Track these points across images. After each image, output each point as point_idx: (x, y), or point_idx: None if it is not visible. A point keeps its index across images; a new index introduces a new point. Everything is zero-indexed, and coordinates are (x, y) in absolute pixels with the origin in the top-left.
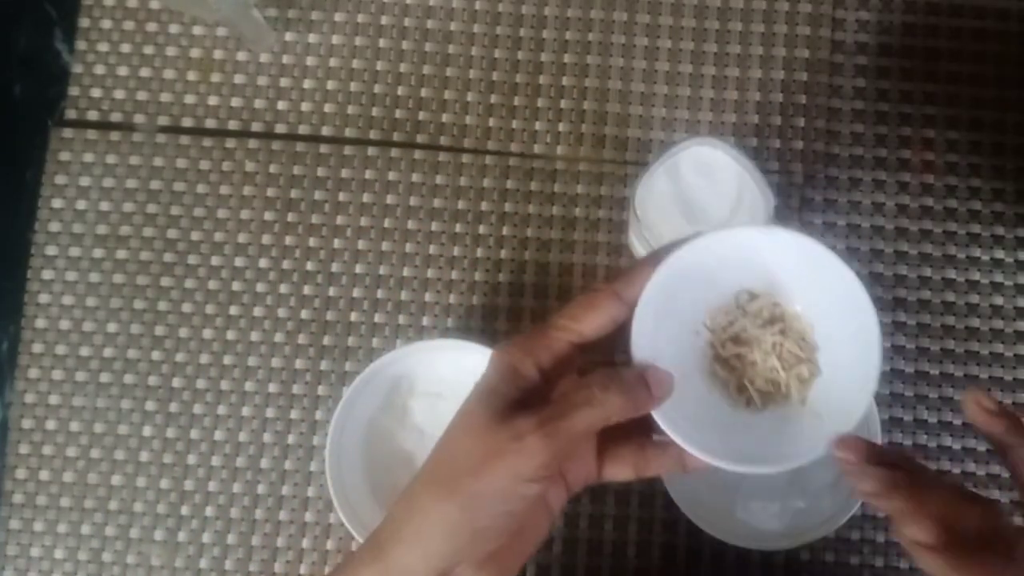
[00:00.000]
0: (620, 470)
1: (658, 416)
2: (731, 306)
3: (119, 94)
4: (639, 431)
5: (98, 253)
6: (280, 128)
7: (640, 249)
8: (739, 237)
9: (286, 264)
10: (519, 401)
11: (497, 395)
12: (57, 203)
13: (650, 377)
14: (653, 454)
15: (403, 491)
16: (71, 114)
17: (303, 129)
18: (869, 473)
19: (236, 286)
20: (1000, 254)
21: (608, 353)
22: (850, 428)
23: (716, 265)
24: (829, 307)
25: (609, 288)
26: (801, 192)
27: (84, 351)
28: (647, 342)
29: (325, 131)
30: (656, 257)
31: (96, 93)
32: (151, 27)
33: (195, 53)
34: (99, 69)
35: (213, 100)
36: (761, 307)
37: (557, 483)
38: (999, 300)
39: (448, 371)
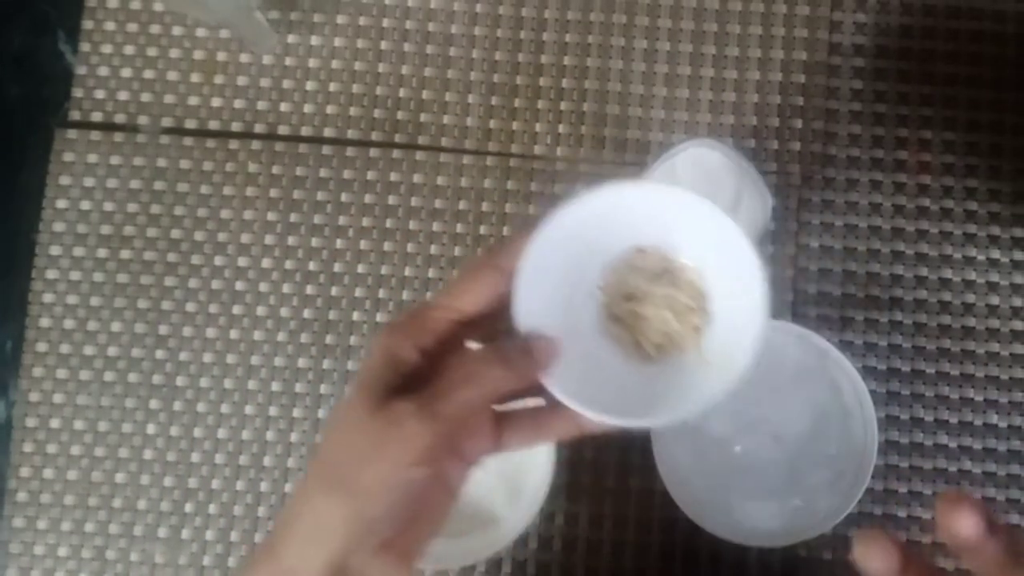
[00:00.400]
0: (518, 438)
1: (546, 380)
2: (621, 264)
3: (123, 96)
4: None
5: (102, 253)
6: (283, 129)
7: None
8: (610, 197)
9: (289, 264)
10: (401, 387)
11: (376, 382)
12: (61, 203)
13: (534, 345)
14: (548, 418)
15: (294, 489)
16: (75, 115)
17: (306, 130)
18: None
19: (239, 286)
20: (996, 254)
21: (501, 324)
22: (738, 375)
23: (601, 226)
24: (716, 257)
25: (488, 261)
26: (799, 193)
27: (88, 350)
28: (534, 310)
29: (327, 132)
30: (532, 225)
31: (100, 95)
32: (154, 29)
33: (198, 55)
34: (103, 71)
35: (216, 102)
36: (650, 262)
37: (453, 460)
38: (995, 300)
39: None
